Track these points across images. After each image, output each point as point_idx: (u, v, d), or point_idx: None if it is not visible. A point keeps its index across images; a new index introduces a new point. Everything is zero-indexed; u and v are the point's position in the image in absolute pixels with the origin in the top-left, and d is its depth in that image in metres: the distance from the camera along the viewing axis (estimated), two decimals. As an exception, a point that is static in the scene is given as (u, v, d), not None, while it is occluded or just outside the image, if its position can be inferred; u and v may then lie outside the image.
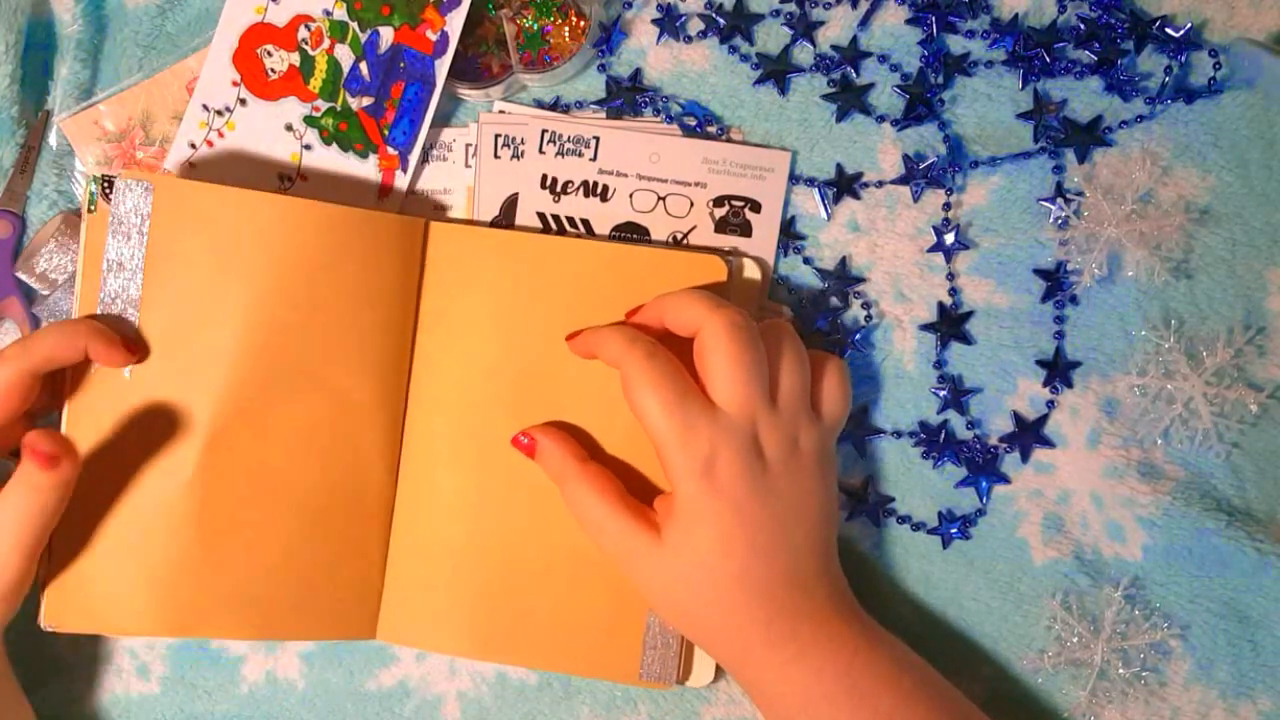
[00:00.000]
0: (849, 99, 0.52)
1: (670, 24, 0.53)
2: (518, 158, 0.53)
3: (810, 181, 0.53)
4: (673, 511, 0.44)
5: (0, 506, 0.43)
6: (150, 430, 0.48)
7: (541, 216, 0.53)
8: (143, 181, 0.48)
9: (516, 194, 0.53)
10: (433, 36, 0.52)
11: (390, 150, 0.53)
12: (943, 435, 0.52)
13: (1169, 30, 0.51)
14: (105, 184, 0.48)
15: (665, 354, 0.44)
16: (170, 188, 0.48)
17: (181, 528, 0.48)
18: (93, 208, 0.48)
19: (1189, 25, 0.51)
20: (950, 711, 0.46)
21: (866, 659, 0.45)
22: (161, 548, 0.48)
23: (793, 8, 0.53)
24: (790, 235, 0.53)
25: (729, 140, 0.53)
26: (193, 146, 0.53)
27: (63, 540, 0.48)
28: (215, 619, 0.49)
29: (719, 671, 0.50)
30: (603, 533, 0.46)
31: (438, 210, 0.54)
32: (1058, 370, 0.52)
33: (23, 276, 0.52)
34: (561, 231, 0.53)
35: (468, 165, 0.53)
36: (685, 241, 0.52)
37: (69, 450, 0.44)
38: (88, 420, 0.48)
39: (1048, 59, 0.52)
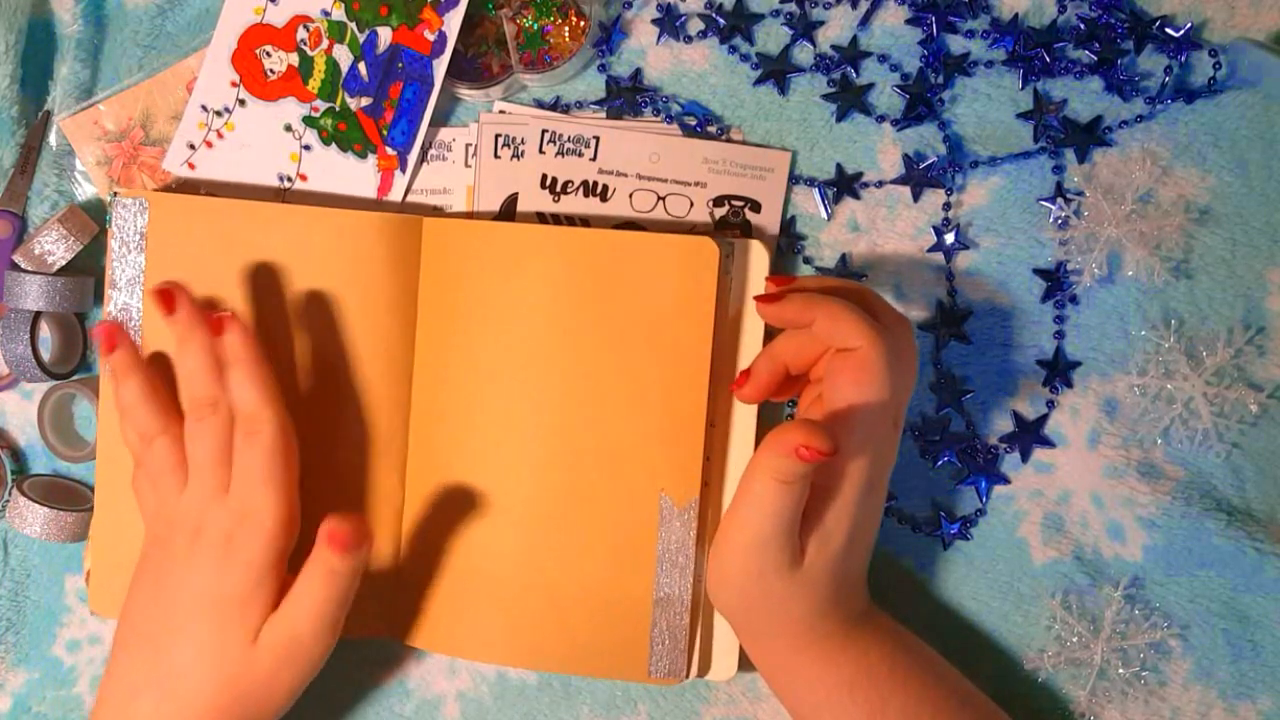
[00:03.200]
0: (849, 99, 0.52)
1: (670, 24, 0.53)
2: (518, 158, 0.53)
3: (810, 181, 0.53)
4: (822, 520, 0.43)
5: (304, 589, 0.45)
6: None
7: (541, 216, 0.53)
8: (139, 198, 0.48)
9: (516, 194, 0.53)
10: (430, 36, 0.52)
11: (389, 150, 0.53)
12: (942, 434, 0.52)
13: (1169, 30, 0.51)
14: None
15: None
16: (165, 203, 0.49)
17: None
18: (109, 224, 0.49)
19: (1189, 25, 0.51)
20: (971, 700, 0.47)
21: (906, 645, 0.46)
22: None
23: (793, 8, 0.53)
24: (790, 235, 0.53)
25: (729, 140, 0.53)
26: (191, 147, 0.53)
27: (104, 531, 0.50)
28: None
29: (740, 665, 0.50)
30: (763, 542, 0.42)
31: (436, 211, 0.54)
32: (1058, 370, 0.52)
33: (19, 259, 0.52)
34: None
35: (467, 165, 0.53)
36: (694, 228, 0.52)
37: (366, 534, 0.44)
38: (107, 425, 0.50)
39: (1048, 59, 0.52)
